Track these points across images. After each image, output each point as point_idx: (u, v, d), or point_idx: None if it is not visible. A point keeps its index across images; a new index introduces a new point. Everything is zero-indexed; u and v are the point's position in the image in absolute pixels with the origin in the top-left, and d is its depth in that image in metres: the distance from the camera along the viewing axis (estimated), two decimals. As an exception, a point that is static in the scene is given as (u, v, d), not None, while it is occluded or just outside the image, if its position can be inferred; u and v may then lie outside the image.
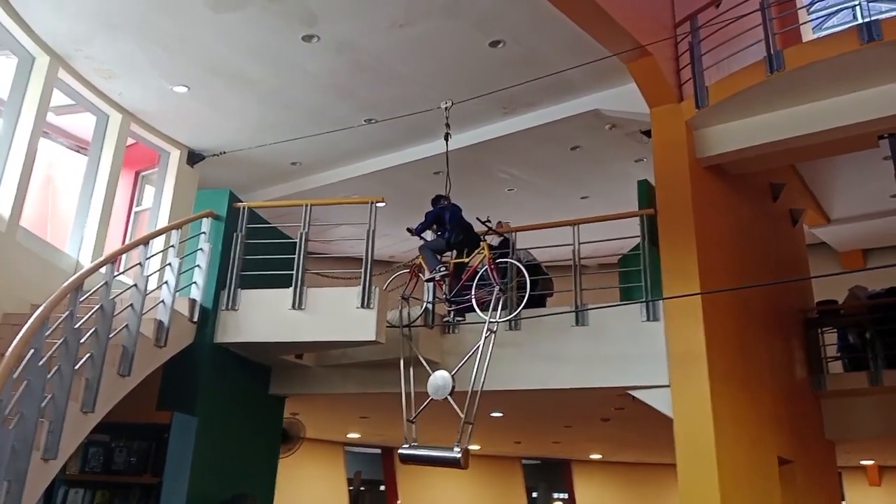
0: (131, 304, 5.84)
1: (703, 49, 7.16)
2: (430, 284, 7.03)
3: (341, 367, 7.93)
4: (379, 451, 14.87)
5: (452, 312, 6.88)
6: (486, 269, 6.29)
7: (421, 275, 6.80)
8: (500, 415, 9.58)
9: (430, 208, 6.81)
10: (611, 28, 6.37)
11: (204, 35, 6.93)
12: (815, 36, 12.57)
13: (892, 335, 8.84)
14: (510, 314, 6.54)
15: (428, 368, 6.03)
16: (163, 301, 6.39)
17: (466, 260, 6.53)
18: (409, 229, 6.87)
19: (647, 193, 7.53)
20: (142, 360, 5.90)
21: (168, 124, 8.67)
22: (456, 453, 5.55)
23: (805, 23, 11.16)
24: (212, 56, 7.28)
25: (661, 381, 6.56)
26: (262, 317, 6.90)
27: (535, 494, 16.94)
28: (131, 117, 8.25)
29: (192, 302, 6.87)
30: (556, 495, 17.15)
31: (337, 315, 6.67)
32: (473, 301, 6.24)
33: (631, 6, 6.61)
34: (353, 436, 13.55)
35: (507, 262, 6.98)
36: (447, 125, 6.83)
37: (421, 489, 14.78)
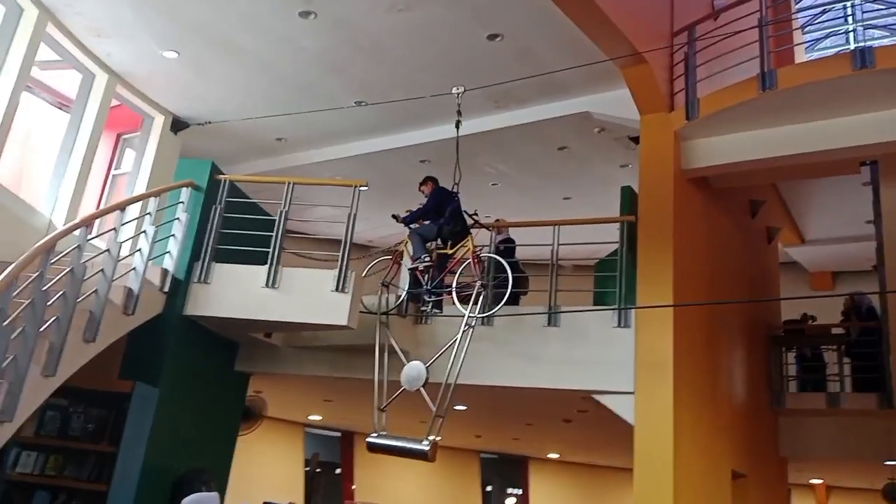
0: (102, 270, 5.73)
1: (698, 61, 7.19)
2: (410, 272, 6.93)
3: (310, 348, 7.88)
4: (339, 434, 14.83)
5: (430, 304, 6.79)
6: (468, 263, 6.24)
7: (402, 262, 6.73)
8: (463, 408, 9.57)
9: (420, 196, 6.73)
10: (609, 31, 6.36)
11: (200, 2, 6.79)
12: (808, 57, 12.76)
13: (858, 358, 9.00)
14: (489, 310, 6.48)
15: (403, 358, 5.98)
16: (134, 269, 6.27)
17: (450, 251, 6.47)
18: (394, 216, 6.78)
19: (629, 200, 7.56)
20: (108, 326, 5.80)
21: (154, 89, 8.50)
22: (424, 446, 5.52)
23: (799, 44, 11.29)
24: (206, 23, 7.14)
25: (626, 387, 6.61)
26: (235, 292, 6.82)
27: (489, 488, 17.04)
28: (118, 79, 8.07)
29: (165, 272, 6.76)
30: (510, 491, 17.27)
31: (311, 297, 6.61)
32: (454, 294, 6.17)
33: (631, 12, 6.60)
34: (314, 418, 13.48)
35: (489, 258, 6.91)
36: (458, 112, 6.74)
37: (377, 475, 14.78)
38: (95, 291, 5.65)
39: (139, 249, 6.35)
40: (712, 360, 7.61)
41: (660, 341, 6.49)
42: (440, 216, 6.53)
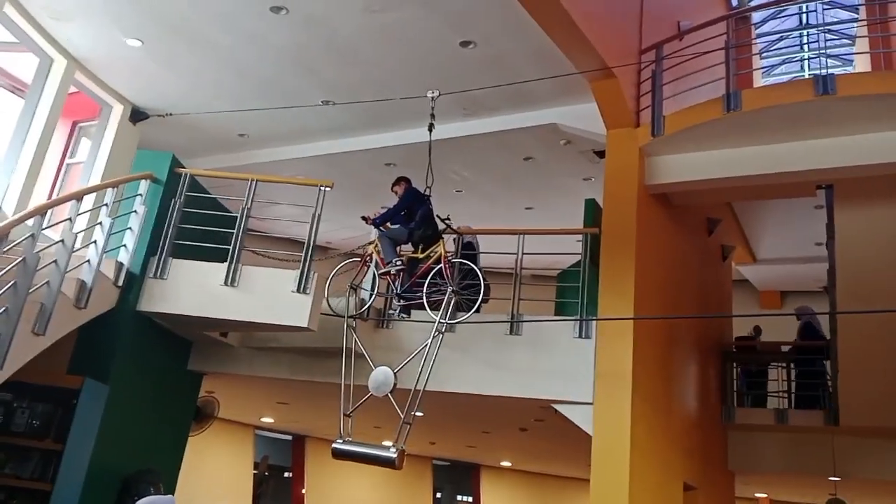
0: (55, 261, 5.53)
1: (664, 79, 7.32)
2: (376, 275, 6.77)
3: (267, 350, 7.73)
4: (290, 437, 14.62)
5: (399, 308, 6.67)
6: (440, 268, 6.16)
7: (371, 264, 6.62)
8: (420, 414, 9.52)
9: (392, 197, 6.63)
10: (581, 45, 6.42)
11: (166, -10, 6.66)
12: (765, 82, 13.13)
13: (806, 376, 9.25)
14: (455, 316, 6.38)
15: (371, 363, 5.85)
16: (88, 261, 6.08)
17: (421, 256, 6.40)
18: (364, 217, 6.67)
19: (593, 213, 7.65)
20: (59, 319, 5.60)
21: (115, 77, 8.28)
22: (392, 453, 5.38)
23: (757, 69, 11.61)
24: (172, 13, 6.98)
25: (585, 397, 6.65)
26: (192, 289, 6.66)
27: (439, 495, 16.99)
28: (76, 64, 7.83)
29: (119, 265, 6.57)
30: (460, 497, 17.25)
31: (270, 297, 6.49)
32: (424, 299, 6.07)
33: (602, 27, 6.69)
34: (266, 420, 13.26)
35: (463, 265, 6.82)
36: (432, 116, 6.68)
37: (328, 479, 14.60)
38: (47, 283, 5.45)
39: (94, 241, 6.15)
40: (668, 373, 7.72)
41: (619, 353, 6.55)
42: (411, 219, 6.46)
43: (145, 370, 7.08)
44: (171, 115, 8.80)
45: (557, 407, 6.88)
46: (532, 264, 7.63)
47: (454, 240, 7.69)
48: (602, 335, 6.75)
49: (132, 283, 6.65)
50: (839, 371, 8.36)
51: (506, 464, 16.39)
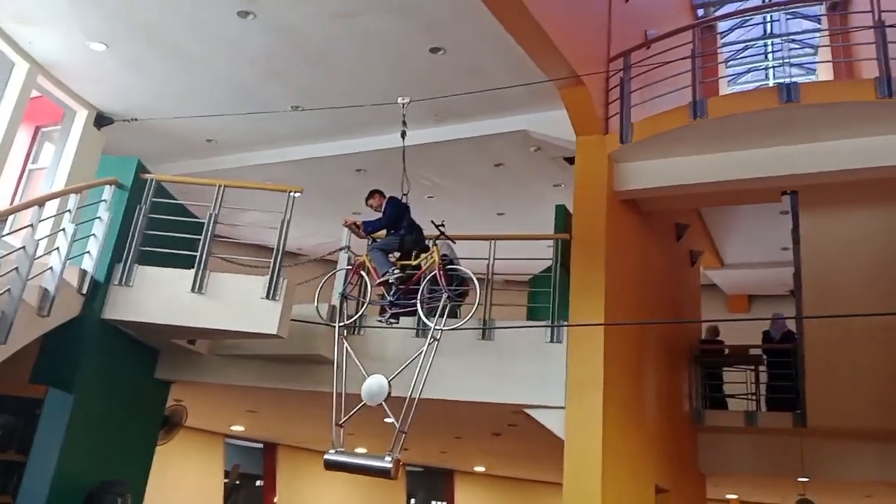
0: (17, 268, 5.42)
1: (632, 87, 7.40)
2: (369, 285, 6.55)
3: (237, 357, 7.65)
4: (261, 445, 14.46)
5: (389, 315, 6.44)
6: (434, 274, 6.01)
7: (363, 273, 6.43)
8: (392, 420, 9.48)
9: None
10: (550, 53, 6.47)
11: (133, -7, 6.55)
12: (731, 90, 13.35)
13: (777, 378, 9.38)
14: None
15: (363, 371, 5.73)
16: (51, 268, 5.97)
17: (413, 263, 6.27)
18: (355, 225, 6.47)
19: (563, 218, 7.70)
20: (21, 328, 5.49)
21: (79, 81, 8.11)
22: (387, 463, 5.28)
23: (724, 77, 11.80)
24: (138, 16, 6.87)
25: (557, 402, 6.68)
26: (158, 296, 6.57)
27: (413, 501, 16.92)
28: (39, 68, 7.66)
29: (83, 272, 6.46)
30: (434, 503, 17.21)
31: (239, 304, 6.43)
32: (419, 306, 5.94)
33: (571, 35, 6.74)
34: (236, 428, 13.09)
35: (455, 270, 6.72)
36: (404, 122, 6.62)
37: (300, 487, 14.46)
38: (8, 290, 5.34)
39: (57, 248, 6.05)
40: (639, 376, 7.79)
41: (591, 357, 6.60)
42: (397, 228, 6.34)
43: (111, 379, 6.96)
44: (136, 120, 8.65)
45: (530, 412, 6.90)
46: (504, 269, 7.65)
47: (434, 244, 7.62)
48: (573, 340, 6.79)
49: (97, 291, 6.54)
50: (806, 373, 8.50)
51: (479, 469, 16.37)
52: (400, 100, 6.59)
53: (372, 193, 6.66)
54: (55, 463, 6.02)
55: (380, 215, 6.50)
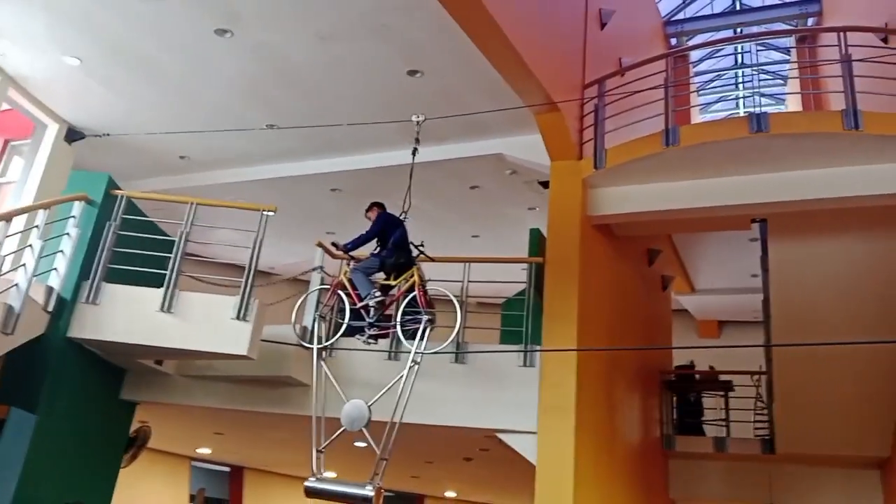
0: (-21, 284, 5.28)
1: (606, 113, 7.49)
2: (348, 306, 6.31)
3: (205, 378, 7.51)
4: (228, 469, 14.19)
5: (367, 336, 6.29)
6: (413, 296, 5.92)
7: (341, 293, 6.30)
8: (364, 445, 9.35)
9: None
10: (527, 78, 6.52)
11: (107, 9, 6.48)
12: (702, 118, 13.60)
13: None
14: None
15: (343, 396, 5.63)
16: (17, 285, 5.84)
17: (394, 283, 6.17)
18: (334, 244, 6.37)
19: (537, 242, 7.72)
20: (-17, 346, 5.33)
21: (50, 95, 8.02)
22: (368, 491, 5.16)
23: (696, 105, 12.02)
24: (113, 31, 6.82)
25: (529, 427, 6.64)
26: (126, 315, 6.44)
27: (382, 527, 16.67)
28: (10, 81, 7.57)
29: (50, 290, 6.33)
30: (404, 529, 16.96)
31: (209, 324, 6.32)
32: (398, 329, 5.86)
33: (547, 62, 6.81)
34: (203, 451, 12.84)
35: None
36: (416, 140, 6.57)
37: (267, 512, 14.21)
38: (-30, 307, 5.19)
39: (23, 264, 5.92)
40: (612, 401, 7.79)
41: (564, 381, 6.57)
42: (384, 245, 6.25)
43: (75, 399, 6.80)
44: (108, 135, 8.56)
45: (502, 436, 6.85)
46: (478, 292, 7.64)
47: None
48: (546, 364, 6.77)
49: (63, 309, 6.40)
50: (774, 400, 8.58)
51: (450, 494, 16.20)
52: (414, 117, 6.59)
53: (371, 206, 6.58)
54: (16, 484, 5.88)
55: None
